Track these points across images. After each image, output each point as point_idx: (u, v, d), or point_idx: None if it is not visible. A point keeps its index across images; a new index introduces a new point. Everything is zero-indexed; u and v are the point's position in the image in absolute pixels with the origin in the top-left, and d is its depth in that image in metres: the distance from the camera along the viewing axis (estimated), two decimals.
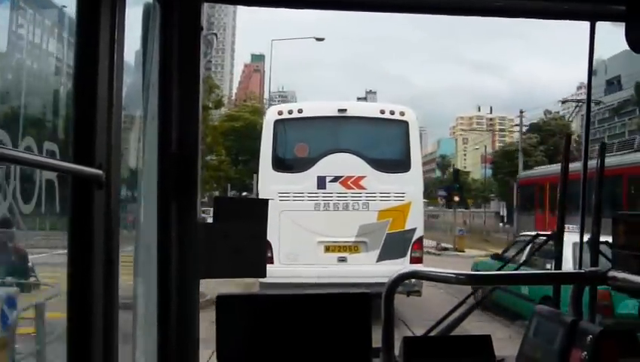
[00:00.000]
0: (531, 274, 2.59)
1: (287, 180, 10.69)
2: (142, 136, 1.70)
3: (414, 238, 10.80)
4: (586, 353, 1.40)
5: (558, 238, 2.25)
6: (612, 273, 1.70)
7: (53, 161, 1.34)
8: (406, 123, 11.12)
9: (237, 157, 43.80)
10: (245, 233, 1.73)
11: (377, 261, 10.57)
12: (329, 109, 11.31)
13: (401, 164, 11.01)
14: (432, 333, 2.21)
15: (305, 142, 11.03)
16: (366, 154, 10.96)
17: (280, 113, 11.24)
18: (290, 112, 11.16)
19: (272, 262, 10.02)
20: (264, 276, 1.79)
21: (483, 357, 2.04)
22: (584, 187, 2.24)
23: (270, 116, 11.31)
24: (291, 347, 1.80)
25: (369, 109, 12.22)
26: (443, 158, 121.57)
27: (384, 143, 11.36)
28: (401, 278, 1.83)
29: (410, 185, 10.93)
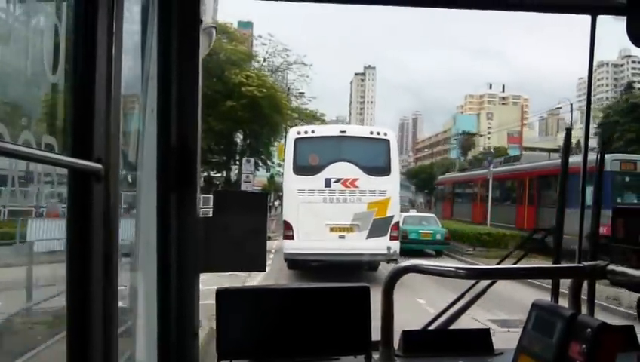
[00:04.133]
0: (531, 268, 2.59)
1: (303, 181, 14.97)
2: (141, 129, 1.69)
3: (393, 222, 15.07)
4: (585, 346, 1.40)
5: (557, 233, 2.25)
6: (611, 267, 1.70)
7: (51, 154, 1.33)
8: (388, 141, 15.58)
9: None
10: (245, 227, 1.73)
11: (367, 238, 14.84)
12: (333, 130, 16.55)
13: (384, 170, 15.29)
14: (432, 327, 2.21)
15: (316, 154, 15.34)
16: (359, 162, 15.25)
17: (299, 133, 15.90)
18: (306, 132, 15.88)
19: (293, 238, 14.78)
20: (264, 270, 1.81)
21: (482, 351, 2.05)
22: (584, 182, 2.24)
23: (292, 135, 15.91)
24: (291, 340, 1.80)
25: (362, 131, 17.08)
26: (465, 136, 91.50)
27: (372, 155, 15.47)
28: (401, 272, 1.84)
29: (390, 184, 15.24)
